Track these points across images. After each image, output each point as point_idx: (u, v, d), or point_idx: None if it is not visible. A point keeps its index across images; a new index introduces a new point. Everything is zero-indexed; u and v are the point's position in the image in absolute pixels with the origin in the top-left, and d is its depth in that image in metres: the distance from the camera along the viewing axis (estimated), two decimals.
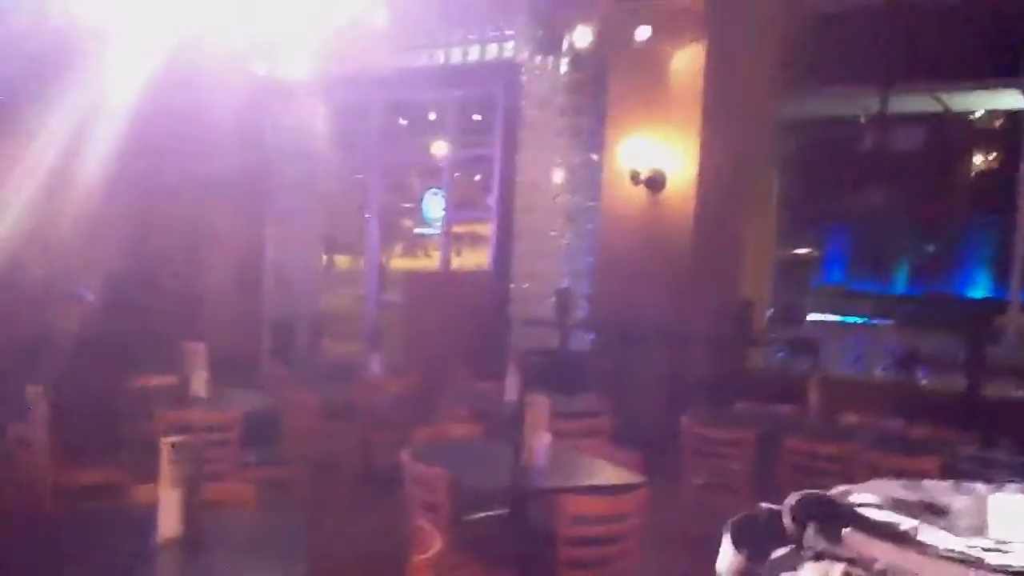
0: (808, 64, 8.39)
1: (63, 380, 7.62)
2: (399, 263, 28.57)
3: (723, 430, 5.52)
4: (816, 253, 11.94)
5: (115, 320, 9.56)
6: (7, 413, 6.05)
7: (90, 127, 9.72)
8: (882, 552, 1.33)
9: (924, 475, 4.42)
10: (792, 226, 10.21)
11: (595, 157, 9.21)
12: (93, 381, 7.59)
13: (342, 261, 25.33)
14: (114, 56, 9.20)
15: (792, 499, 1.53)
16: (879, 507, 1.51)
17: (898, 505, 1.53)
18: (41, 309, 9.15)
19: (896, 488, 1.64)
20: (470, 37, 9.45)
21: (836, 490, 1.58)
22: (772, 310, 9.03)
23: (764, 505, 1.57)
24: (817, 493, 1.55)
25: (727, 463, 5.44)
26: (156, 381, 6.18)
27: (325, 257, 17.95)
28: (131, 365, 7.24)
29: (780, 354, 8.55)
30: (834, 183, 10.86)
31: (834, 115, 9.66)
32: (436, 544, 3.11)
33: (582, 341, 9.22)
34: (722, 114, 8.29)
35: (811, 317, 9.80)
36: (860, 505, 1.51)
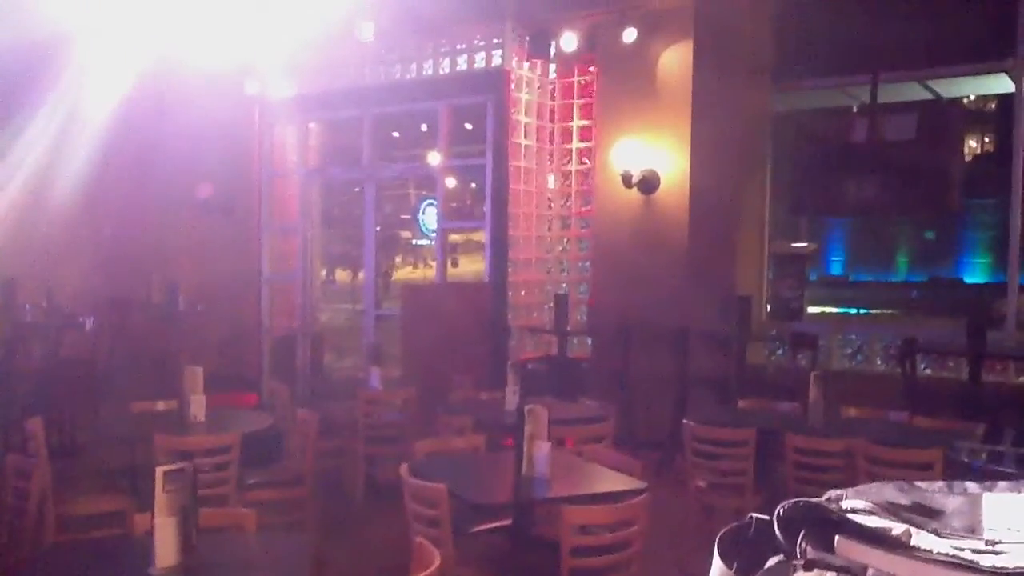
0: (797, 56, 8.39)
1: (64, 408, 7.63)
2: (401, 274, 28.68)
3: (725, 430, 5.49)
4: (814, 246, 11.92)
5: (114, 346, 9.56)
6: (7, 443, 6.05)
7: (83, 150, 9.75)
8: (874, 559, 1.31)
9: (928, 467, 4.41)
10: (788, 220, 10.18)
11: (587, 161, 9.21)
12: (94, 408, 7.60)
13: (340, 275, 25.39)
14: (104, 77, 9.21)
15: (782, 508, 1.50)
16: (871, 512, 1.48)
17: (890, 509, 1.50)
18: (42, 338, 9.14)
19: (889, 491, 1.61)
20: (458, 47, 9.47)
21: (828, 495, 1.55)
22: (770, 305, 9.00)
23: (754, 515, 1.54)
24: (807, 500, 1.52)
25: (730, 463, 5.41)
26: (155, 406, 6.15)
27: (323, 272, 18.01)
28: (131, 390, 7.23)
29: (780, 350, 8.52)
30: (829, 174, 10.83)
31: (825, 106, 9.64)
32: (436, 560, 3.08)
33: (583, 347, 9.21)
34: (712, 111, 8.29)
35: (811, 310, 9.76)
36: (851, 511, 1.48)
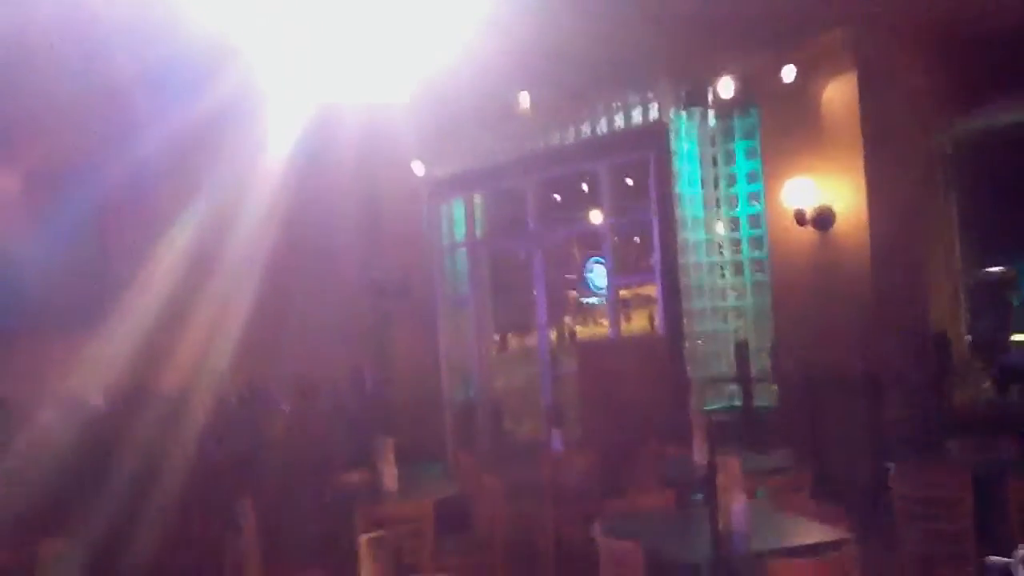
0: (973, 81, 7.94)
1: (271, 490, 8.03)
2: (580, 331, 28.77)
3: (936, 473, 5.12)
4: (1013, 271, 11.07)
5: (311, 427, 10.02)
6: (222, 526, 6.41)
7: (268, 242, 10.34)
8: None
9: None
10: (982, 246, 9.52)
11: (756, 204, 9.00)
12: (297, 487, 7.96)
13: (512, 341, 25.74)
14: (292, 158, 9.71)
15: (1022, 550, 1.38)
16: None
17: None
18: (248, 422, 9.67)
19: None
20: (614, 105, 9.55)
21: None
22: (971, 338, 8.39)
23: (993, 559, 1.42)
24: None
25: (945, 509, 5.02)
26: (350, 479, 6.38)
27: (497, 338, 18.31)
28: (329, 467, 7.54)
29: (987, 384, 7.89)
30: (1022, 192, 10.11)
31: (1011, 122, 9.02)
32: None
33: (768, 394, 8.87)
34: (884, 141, 7.94)
35: (1017, 338, 9.02)
36: None
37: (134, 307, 9.97)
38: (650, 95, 9.19)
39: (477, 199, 11.51)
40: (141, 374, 9.61)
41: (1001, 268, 9.13)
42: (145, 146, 9.15)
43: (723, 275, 9.37)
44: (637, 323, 23.63)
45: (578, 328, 31.27)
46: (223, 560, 5.12)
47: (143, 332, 9.85)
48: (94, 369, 9.69)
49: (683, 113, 9.14)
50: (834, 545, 3.89)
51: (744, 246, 9.17)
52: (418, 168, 10.88)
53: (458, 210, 11.51)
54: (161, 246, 10.22)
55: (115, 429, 8.75)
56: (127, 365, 9.61)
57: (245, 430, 9.27)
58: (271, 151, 9.49)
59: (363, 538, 3.12)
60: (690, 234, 9.08)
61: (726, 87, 8.41)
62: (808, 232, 8.26)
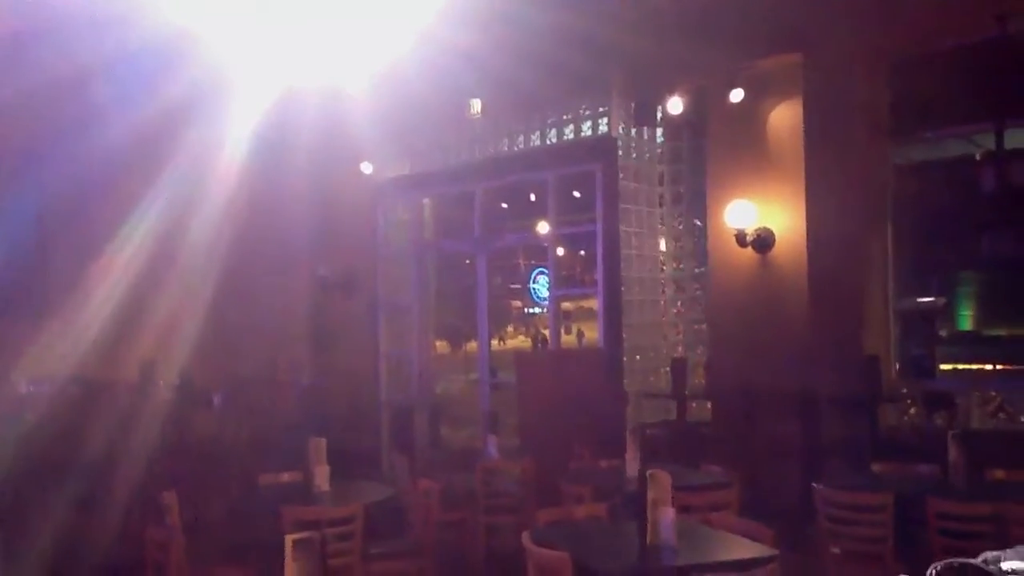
0: (916, 107, 8.15)
1: (197, 484, 7.89)
2: (513, 343, 28.82)
3: (861, 494, 5.23)
4: (943, 300, 11.39)
5: (241, 422, 9.88)
6: (144, 519, 6.28)
7: (209, 232, 10.18)
8: None
9: None
10: (913, 275, 9.78)
11: (698, 222, 9.12)
12: (224, 483, 7.83)
13: (440, 346, 25.71)
14: (227, 159, 9.62)
15: (934, 569, 1.41)
16: None
17: None
18: (175, 416, 9.51)
19: None
20: (564, 117, 9.63)
21: (983, 556, 1.45)
22: (900, 364, 8.60)
23: None
24: (964, 562, 1.43)
25: (867, 529, 5.14)
26: (280, 478, 6.30)
27: (438, 344, 18.26)
28: (257, 464, 7.43)
29: (913, 410, 8.10)
30: (958, 227, 10.40)
31: (947, 156, 9.31)
32: None
33: (702, 411, 8.99)
34: (826, 166, 8.11)
35: (943, 367, 9.28)
36: (1013, 572, 1.39)
37: (71, 298, 9.79)
38: (601, 109, 9.28)
39: (426, 202, 11.48)
40: (74, 364, 9.41)
41: (931, 298, 9.39)
42: (92, 137, 8.97)
43: (664, 292, 9.48)
44: (587, 335, 23.80)
45: (520, 338, 31.35)
46: (144, 553, 5.02)
47: (79, 323, 9.69)
48: (26, 358, 9.49)
49: (632, 130, 9.25)
50: (759, 562, 3.95)
51: (685, 264, 9.29)
52: (367, 168, 10.84)
53: (406, 212, 11.47)
54: (104, 238, 10.04)
55: (41, 417, 8.56)
56: (60, 355, 9.42)
57: (172, 422, 9.11)
58: (222, 145, 9.39)
59: (288, 539, 3.08)
60: (633, 250, 9.17)
61: (675, 106, 8.53)
62: (748, 253, 8.39)
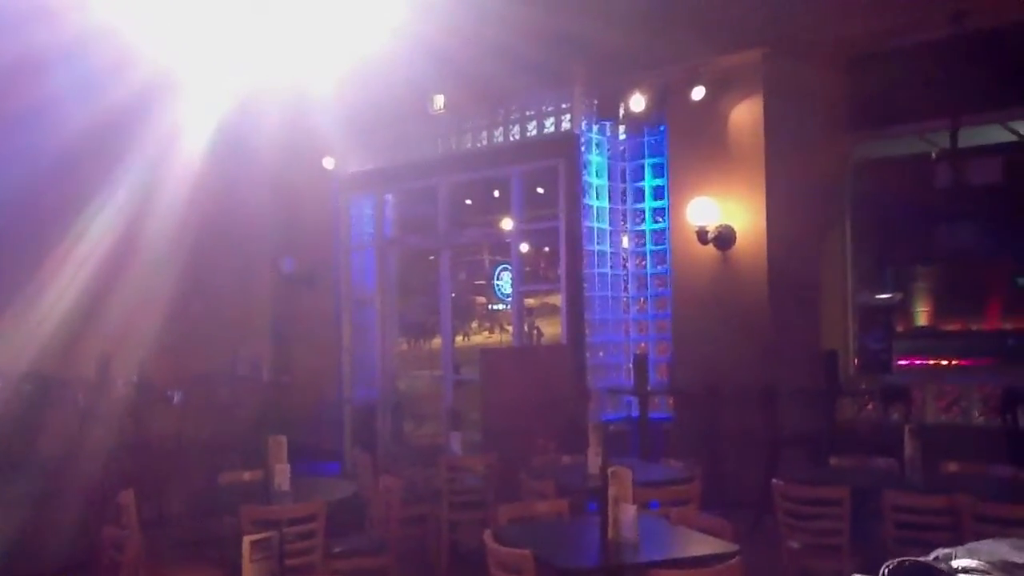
0: (873, 104, 8.26)
1: (155, 482, 7.80)
2: (477, 339, 28.80)
3: (817, 488, 5.30)
4: (899, 296, 11.56)
5: (201, 419, 9.78)
6: (101, 516, 6.19)
7: (168, 227, 10.06)
8: None
9: None
10: (871, 271, 9.92)
11: (661, 220, 9.17)
12: (183, 481, 7.75)
13: (415, 342, 25.65)
14: (185, 152, 9.50)
15: (887, 568, 1.42)
16: (985, 572, 1.40)
17: (1005, 568, 1.41)
18: (132, 413, 9.39)
19: (1004, 548, 1.52)
20: (527, 113, 9.62)
21: (935, 554, 1.47)
22: (858, 359, 8.73)
23: None
24: (915, 560, 1.44)
25: (824, 523, 5.20)
26: (241, 476, 6.23)
27: (402, 340, 18.19)
28: (218, 463, 7.35)
29: (870, 404, 8.23)
30: (914, 222, 10.56)
31: (905, 153, 9.44)
32: None
33: (664, 407, 9.05)
34: (786, 163, 8.20)
35: (900, 363, 9.43)
36: (963, 571, 1.40)
37: (26, 293, 9.63)
38: (564, 106, 9.29)
39: (389, 197, 11.42)
40: (29, 360, 9.26)
41: (888, 295, 9.53)
42: (47, 127, 8.80)
43: (626, 288, 9.52)
44: (545, 331, 23.82)
45: (485, 335, 31.34)
46: (100, 553, 4.94)
47: (34, 318, 9.53)
48: None
49: (595, 126, 9.27)
50: (720, 557, 3.98)
51: (648, 260, 9.33)
52: (329, 163, 10.76)
53: (369, 207, 11.40)
54: (60, 231, 9.89)
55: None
56: (14, 350, 9.26)
57: (130, 419, 9.00)
58: (182, 139, 9.28)
59: (246, 540, 3.05)
60: (596, 246, 9.20)
61: (636, 102, 8.56)
62: (709, 250, 8.46)
